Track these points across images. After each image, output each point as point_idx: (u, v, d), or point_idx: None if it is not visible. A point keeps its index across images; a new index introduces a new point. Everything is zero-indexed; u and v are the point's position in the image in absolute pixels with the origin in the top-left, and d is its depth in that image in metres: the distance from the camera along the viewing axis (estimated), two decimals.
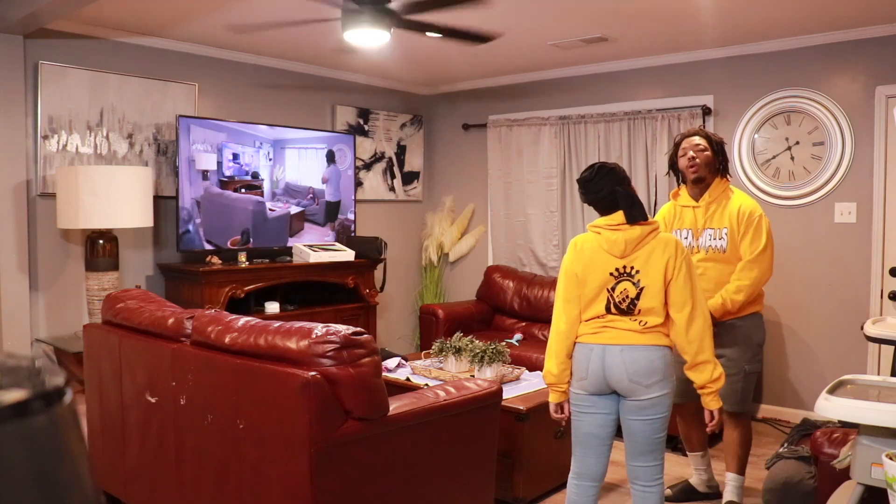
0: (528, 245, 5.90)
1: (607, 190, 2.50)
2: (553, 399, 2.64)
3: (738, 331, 3.15)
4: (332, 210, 5.49)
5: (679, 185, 3.34)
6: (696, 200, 3.21)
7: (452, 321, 5.39)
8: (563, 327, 2.55)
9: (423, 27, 3.76)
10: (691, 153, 3.17)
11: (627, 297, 2.45)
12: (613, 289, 2.47)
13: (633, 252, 2.46)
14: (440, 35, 3.96)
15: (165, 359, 2.72)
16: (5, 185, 4.12)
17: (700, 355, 2.44)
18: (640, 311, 2.44)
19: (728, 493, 3.23)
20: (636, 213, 2.47)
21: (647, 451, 2.49)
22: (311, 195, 5.33)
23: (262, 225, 5.03)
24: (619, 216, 2.49)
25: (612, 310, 2.46)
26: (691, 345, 2.43)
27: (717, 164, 3.19)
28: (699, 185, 3.20)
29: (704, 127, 4.94)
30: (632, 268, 2.46)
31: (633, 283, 2.45)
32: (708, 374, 2.46)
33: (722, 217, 3.14)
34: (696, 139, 3.20)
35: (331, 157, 5.44)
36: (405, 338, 6.45)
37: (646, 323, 2.44)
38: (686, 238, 3.21)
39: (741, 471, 3.24)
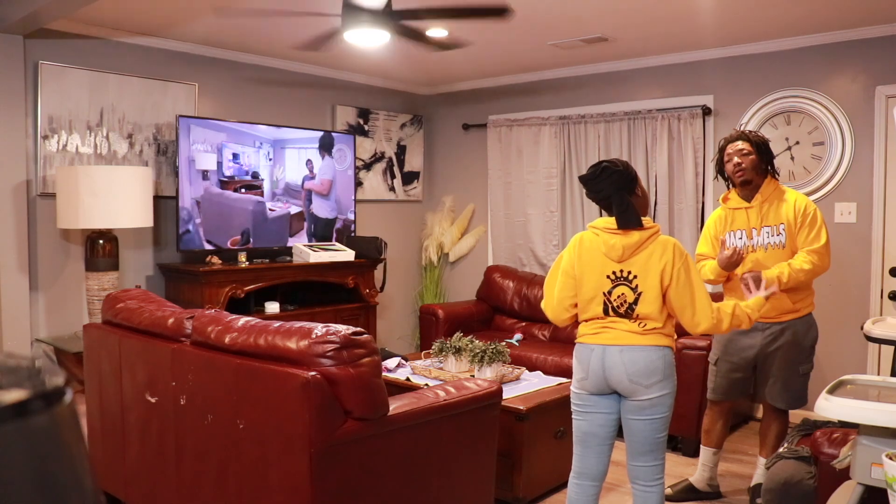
0: (528, 245, 5.90)
1: (605, 193, 2.50)
2: None
3: (793, 332, 3.21)
4: (327, 225, 5.48)
5: (728, 189, 3.38)
6: (748, 202, 3.25)
7: (452, 321, 5.39)
8: (564, 316, 2.60)
9: (423, 15, 3.69)
10: (736, 159, 3.22)
11: (625, 301, 2.44)
12: (610, 292, 2.46)
13: (632, 257, 2.45)
14: (445, 17, 3.84)
15: (165, 359, 2.72)
16: (5, 185, 4.12)
17: (722, 324, 2.49)
18: (637, 315, 2.44)
19: (758, 476, 3.34)
20: (628, 220, 2.45)
21: (648, 451, 2.49)
22: (305, 197, 5.33)
23: (262, 225, 5.03)
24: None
25: (611, 313, 2.47)
26: (710, 330, 2.48)
27: (763, 164, 3.23)
28: (748, 187, 3.24)
29: (705, 127, 4.95)
30: (629, 272, 2.45)
31: (631, 289, 2.44)
32: (744, 318, 2.54)
33: (778, 213, 3.19)
34: (740, 143, 3.24)
35: (327, 146, 5.42)
36: (405, 338, 6.45)
37: (646, 325, 2.44)
38: (740, 239, 3.25)
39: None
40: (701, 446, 3.53)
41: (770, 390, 3.28)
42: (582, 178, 2.56)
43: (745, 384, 3.35)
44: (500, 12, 3.69)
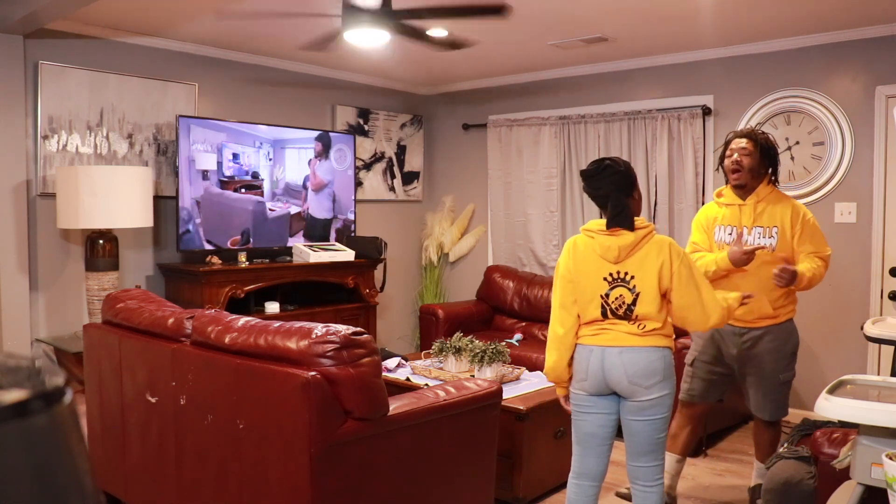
0: (528, 245, 5.90)
1: (604, 191, 2.48)
2: (559, 393, 2.69)
3: (772, 339, 3.08)
4: (326, 225, 5.48)
5: (726, 183, 3.23)
6: (742, 199, 3.12)
7: (452, 321, 5.39)
8: (560, 331, 2.55)
9: (424, 15, 3.69)
10: (736, 156, 3.09)
11: (624, 303, 2.44)
12: (608, 294, 2.46)
13: (627, 258, 2.45)
14: (443, 16, 3.84)
15: (165, 359, 2.72)
16: (5, 185, 4.12)
17: (731, 312, 2.56)
18: (637, 316, 2.43)
19: (758, 477, 3.29)
20: (620, 222, 2.44)
21: (648, 452, 2.50)
22: (304, 197, 5.33)
23: (262, 225, 5.03)
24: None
25: (609, 315, 2.46)
26: (720, 322, 2.51)
27: (762, 168, 3.09)
28: (742, 190, 3.12)
29: (705, 127, 4.95)
30: (626, 273, 2.44)
31: (629, 289, 2.43)
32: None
33: (773, 216, 3.07)
34: (744, 141, 3.10)
35: (326, 145, 5.43)
36: (405, 338, 6.45)
37: (645, 326, 2.43)
38: (730, 235, 3.13)
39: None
40: (666, 452, 3.45)
41: (753, 401, 3.19)
42: (583, 173, 2.54)
43: (722, 387, 3.26)
44: (497, 10, 3.69)
